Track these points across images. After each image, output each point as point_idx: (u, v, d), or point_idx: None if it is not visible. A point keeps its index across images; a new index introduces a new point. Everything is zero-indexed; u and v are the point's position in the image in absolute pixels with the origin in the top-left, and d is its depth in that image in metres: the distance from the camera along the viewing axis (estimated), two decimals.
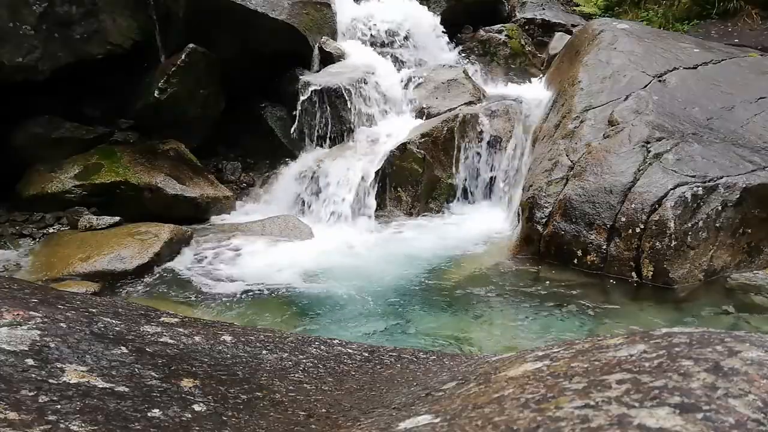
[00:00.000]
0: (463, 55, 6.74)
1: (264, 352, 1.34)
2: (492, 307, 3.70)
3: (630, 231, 3.92)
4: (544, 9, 7.60)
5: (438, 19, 6.72)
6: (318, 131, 5.39)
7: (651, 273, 3.85)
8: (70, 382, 1.00)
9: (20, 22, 4.57)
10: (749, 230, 3.99)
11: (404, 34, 6.43)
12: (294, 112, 5.42)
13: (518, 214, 4.60)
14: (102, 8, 4.90)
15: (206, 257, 4.36)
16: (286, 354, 1.35)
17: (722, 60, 5.35)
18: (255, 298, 3.83)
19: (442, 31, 6.67)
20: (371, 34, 6.31)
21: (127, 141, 5.08)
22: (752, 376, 0.76)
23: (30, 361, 1.03)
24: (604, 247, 4.01)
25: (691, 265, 3.85)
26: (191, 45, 5.18)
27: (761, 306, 3.65)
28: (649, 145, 4.27)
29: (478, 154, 5.31)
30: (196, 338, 1.34)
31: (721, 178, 3.98)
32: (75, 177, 4.77)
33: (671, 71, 5.06)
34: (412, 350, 1.54)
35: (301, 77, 5.53)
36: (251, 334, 1.46)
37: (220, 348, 1.31)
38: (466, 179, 5.30)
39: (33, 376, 0.99)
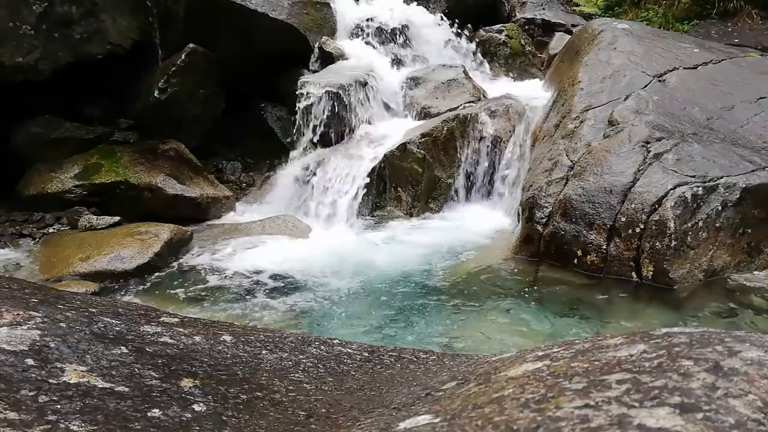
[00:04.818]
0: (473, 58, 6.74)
1: (264, 352, 1.34)
2: (492, 306, 3.70)
3: (630, 231, 3.92)
4: (544, 9, 7.60)
5: (438, 17, 6.73)
6: (318, 131, 5.39)
7: (651, 273, 3.85)
8: (70, 382, 1.00)
9: (20, 22, 4.57)
10: (749, 230, 3.99)
11: (405, 33, 6.43)
12: (294, 112, 5.42)
13: (518, 214, 4.60)
14: (102, 8, 4.90)
15: (206, 257, 4.36)
16: (286, 354, 1.35)
17: (722, 60, 5.35)
18: (255, 297, 3.83)
19: (457, 33, 6.66)
20: (372, 34, 6.31)
21: (127, 141, 5.08)
22: (752, 376, 0.76)
23: (30, 361, 1.03)
24: (604, 247, 4.00)
25: (691, 265, 3.85)
26: (191, 45, 5.17)
27: (761, 306, 3.65)
28: (649, 145, 4.27)
29: (478, 154, 5.30)
30: (196, 338, 1.34)
31: (721, 178, 3.98)
32: (75, 177, 4.77)
33: (671, 71, 5.06)
34: (412, 350, 1.54)
35: (301, 77, 5.53)
36: (251, 334, 1.46)
37: (220, 348, 1.31)
38: (465, 179, 5.30)
39: (33, 376, 0.99)
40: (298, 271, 4.12)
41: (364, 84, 5.50)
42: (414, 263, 4.26)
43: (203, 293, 3.89)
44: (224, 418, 1.01)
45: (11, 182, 4.79)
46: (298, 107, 5.37)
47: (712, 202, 3.90)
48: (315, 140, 5.42)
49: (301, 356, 1.35)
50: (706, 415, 0.68)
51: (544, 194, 4.36)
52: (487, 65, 6.76)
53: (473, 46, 6.78)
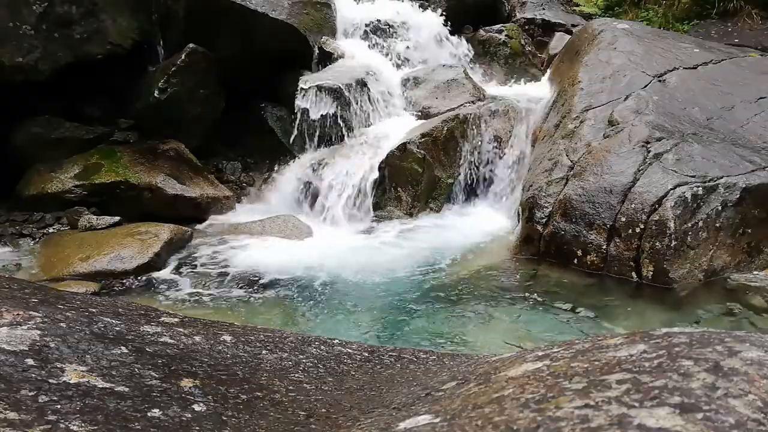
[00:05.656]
0: (469, 56, 6.72)
1: (264, 352, 1.34)
2: (492, 307, 3.70)
3: (630, 231, 3.92)
4: (544, 9, 7.60)
5: (441, 18, 6.72)
6: (318, 131, 5.38)
7: (651, 273, 3.85)
8: (70, 382, 1.00)
9: (20, 22, 4.57)
10: (749, 230, 3.99)
11: (405, 34, 6.43)
12: (294, 112, 5.41)
13: (518, 214, 4.60)
14: (102, 8, 4.90)
15: (206, 257, 4.36)
16: (286, 354, 1.35)
17: (722, 60, 5.35)
18: (255, 297, 3.84)
19: (449, 34, 6.65)
20: (372, 34, 6.30)
21: (127, 141, 5.08)
22: (752, 376, 0.76)
23: (30, 361, 1.03)
24: (604, 247, 4.00)
25: (691, 265, 3.85)
26: (191, 45, 5.17)
27: (761, 306, 3.64)
28: (649, 145, 4.27)
29: (478, 154, 5.30)
30: (196, 338, 1.34)
31: (721, 178, 3.98)
32: (75, 177, 4.77)
33: (671, 71, 5.06)
34: (412, 350, 1.54)
35: (301, 77, 5.53)
36: (251, 334, 1.46)
37: (220, 348, 1.31)
38: (465, 179, 5.30)
39: (33, 376, 0.99)
40: (298, 272, 4.12)
41: (364, 84, 5.50)
42: (414, 263, 4.26)
43: (203, 293, 3.89)
44: (224, 418, 1.01)
45: (11, 182, 4.79)
46: (298, 107, 5.36)
47: (712, 202, 3.90)
48: (315, 140, 5.42)
49: (301, 356, 1.35)
50: (706, 415, 0.68)
51: (544, 194, 4.36)
52: (486, 66, 6.75)
53: (473, 46, 6.76)
